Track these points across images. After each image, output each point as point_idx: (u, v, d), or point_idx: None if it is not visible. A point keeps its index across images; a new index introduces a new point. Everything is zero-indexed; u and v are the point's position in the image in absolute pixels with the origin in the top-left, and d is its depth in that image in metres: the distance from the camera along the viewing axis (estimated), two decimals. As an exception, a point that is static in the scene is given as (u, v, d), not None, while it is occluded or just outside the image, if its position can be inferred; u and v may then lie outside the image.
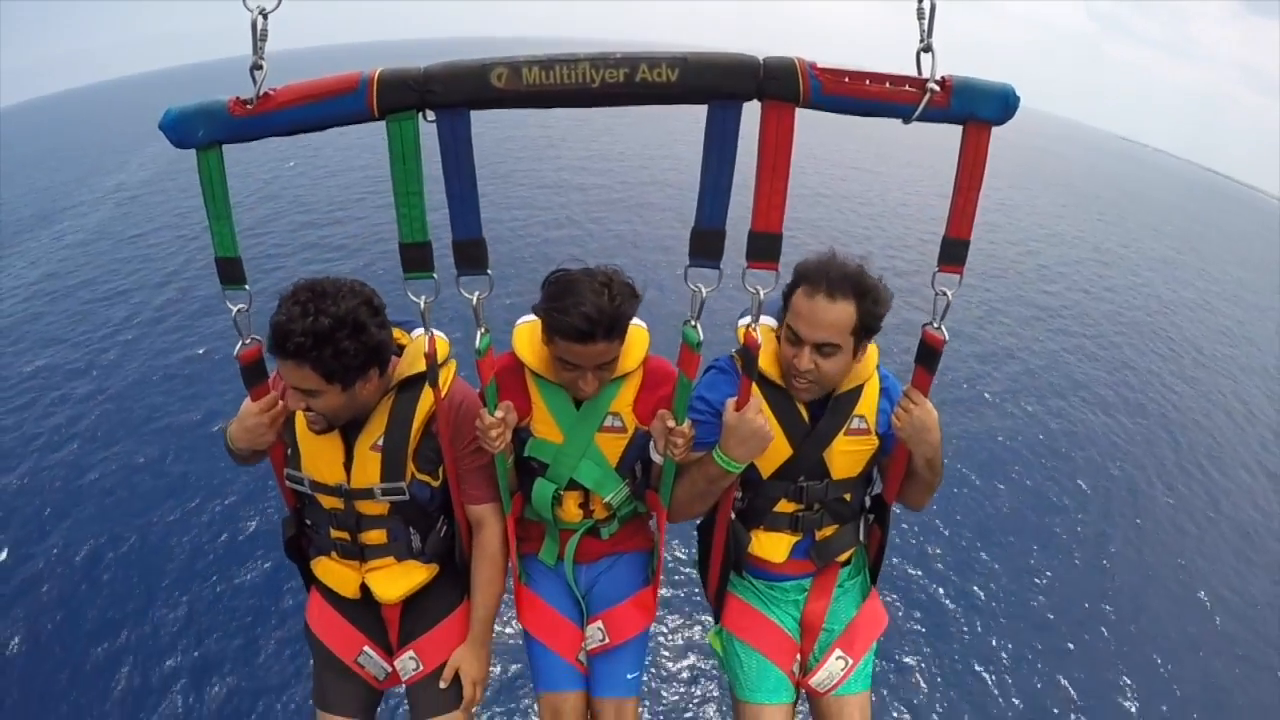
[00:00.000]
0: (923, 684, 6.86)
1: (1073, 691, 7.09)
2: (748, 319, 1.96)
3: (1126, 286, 21.72)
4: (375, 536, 1.99)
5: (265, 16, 1.28)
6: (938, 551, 8.55)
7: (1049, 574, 8.64)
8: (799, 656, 2.17)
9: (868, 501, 2.18)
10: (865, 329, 1.85)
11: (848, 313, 1.80)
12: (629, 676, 2.15)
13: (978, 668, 7.19)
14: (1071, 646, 7.64)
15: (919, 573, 8.17)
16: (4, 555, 7.49)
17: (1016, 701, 6.88)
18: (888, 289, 1.87)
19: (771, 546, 2.08)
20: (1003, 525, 9.33)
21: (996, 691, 6.98)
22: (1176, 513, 10.62)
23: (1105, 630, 7.97)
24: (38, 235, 19.89)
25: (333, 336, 1.66)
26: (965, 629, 7.58)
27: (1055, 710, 6.89)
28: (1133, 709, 7.02)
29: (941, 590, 8.01)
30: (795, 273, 1.90)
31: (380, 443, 1.88)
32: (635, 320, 1.95)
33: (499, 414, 1.78)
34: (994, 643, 7.49)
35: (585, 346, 1.77)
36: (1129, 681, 7.31)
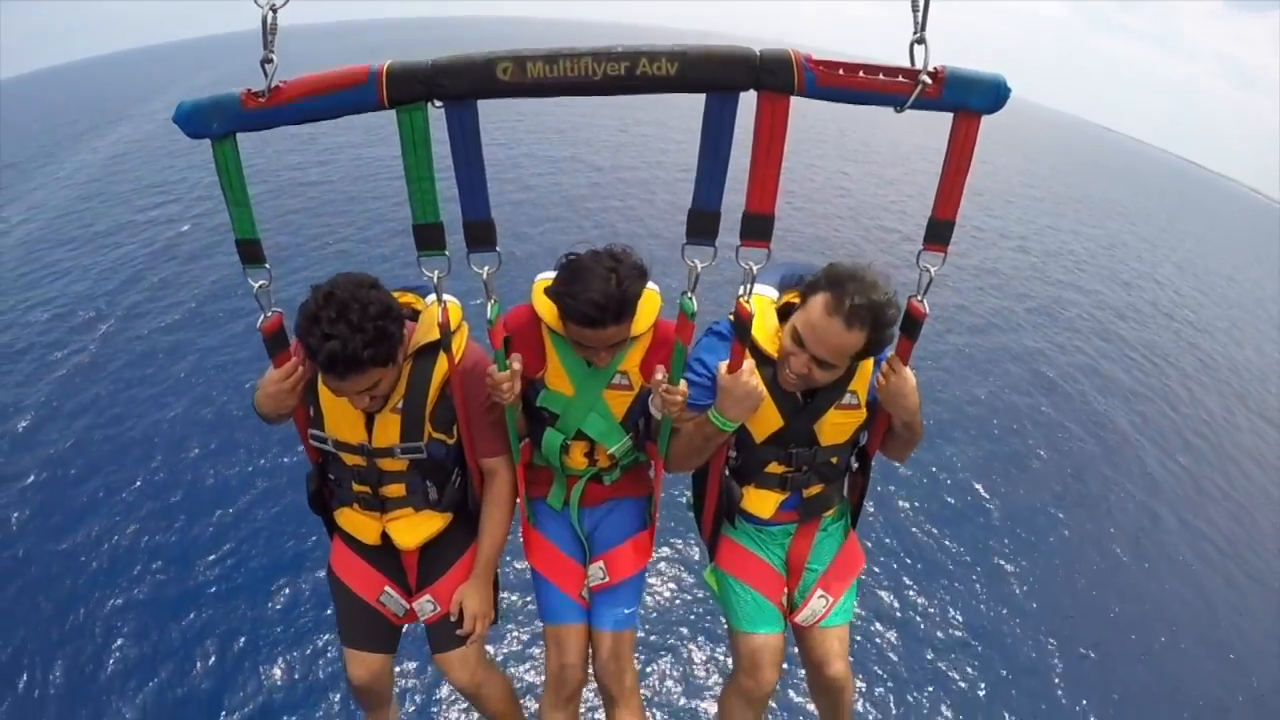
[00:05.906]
0: (900, 625, 7.09)
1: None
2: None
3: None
4: (395, 490, 2.15)
5: (275, 11, 1.30)
6: (917, 504, 8.72)
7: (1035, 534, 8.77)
8: (786, 591, 2.35)
9: (853, 459, 2.30)
10: (865, 353, 1.92)
11: (857, 341, 1.84)
12: (625, 611, 2.34)
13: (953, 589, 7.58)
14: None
15: (900, 523, 8.34)
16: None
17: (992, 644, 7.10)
18: (897, 308, 1.83)
19: (760, 502, 2.23)
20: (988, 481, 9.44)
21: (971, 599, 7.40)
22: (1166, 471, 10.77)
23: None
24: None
25: (386, 331, 1.78)
26: (943, 579, 7.78)
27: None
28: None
29: (920, 545, 8.16)
30: (827, 275, 1.87)
31: (400, 406, 2.02)
32: (649, 284, 2.02)
33: (511, 367, 1.90)
34: (977, 589, 7.71)
35: (596, 331, 1.87)
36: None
